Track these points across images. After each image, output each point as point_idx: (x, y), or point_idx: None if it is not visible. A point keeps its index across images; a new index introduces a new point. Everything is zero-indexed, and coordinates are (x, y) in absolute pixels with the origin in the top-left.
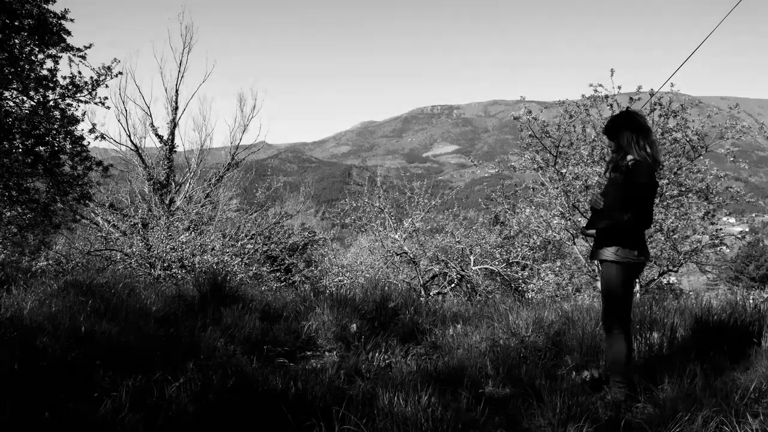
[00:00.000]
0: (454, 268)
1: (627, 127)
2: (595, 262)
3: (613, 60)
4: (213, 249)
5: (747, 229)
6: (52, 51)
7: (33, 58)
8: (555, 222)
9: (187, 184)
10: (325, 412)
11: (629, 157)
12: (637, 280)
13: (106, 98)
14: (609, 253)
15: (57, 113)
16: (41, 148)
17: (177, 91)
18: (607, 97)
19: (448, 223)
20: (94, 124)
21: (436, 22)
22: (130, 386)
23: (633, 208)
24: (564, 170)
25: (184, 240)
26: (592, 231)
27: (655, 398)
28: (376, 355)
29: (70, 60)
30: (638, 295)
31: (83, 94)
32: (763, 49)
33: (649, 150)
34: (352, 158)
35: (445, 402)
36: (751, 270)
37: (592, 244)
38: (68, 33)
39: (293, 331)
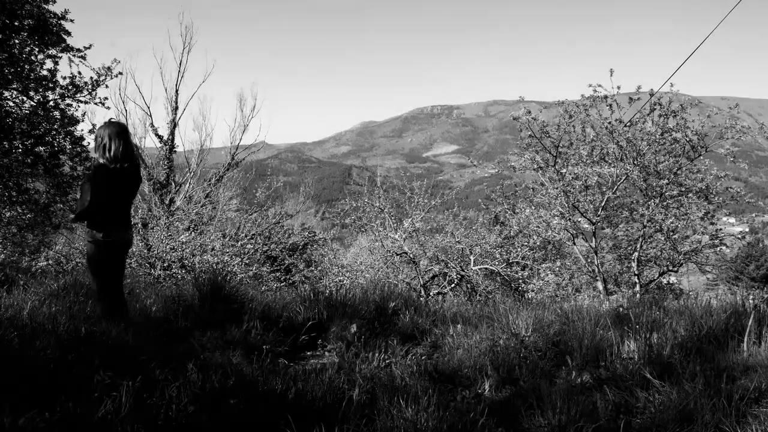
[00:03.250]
0: (454, 268)
1: (98, 137)
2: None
3: (613, 60)
4: (213, 249)
5: (747, 229)
6: (52, 51)
7: (33, 58)
8: (555, 222)
9: (187, 184)
10: (325, 413)
11: (101, 160)
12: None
13: (106, 98)
14: (87, 234)
15: (57, 113)
16: (41, 148)
17: (177, 91)
18: (606, 97)
19: (448, 223)
20: (94, 125)
21: (436, 22)
22: (130, 386)
23: (92, 199)
24: (564, 170)
25: (184, 240)
26: (72, 217)
27: (655, 399)
28: (376, 355)
29: (70, 60)
30: (638, 295)
31: (83, 95)
32: (763, 49)
33: (110, 155)
34: (352, 158)
35: (445, 402)
36: (751, 270)
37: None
38: (68, 33)
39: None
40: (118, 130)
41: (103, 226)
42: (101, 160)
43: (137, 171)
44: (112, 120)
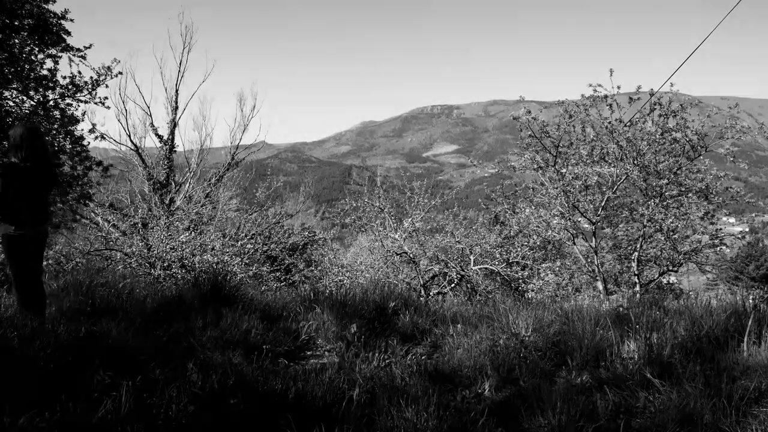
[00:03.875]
0: (454, 268)
1: (11, 137)
2: None
3: (613, 60)
4: (213, 249)
5: (747, 229)
6: (52, 51)
7: (33, 58)
8: (555, 222)
9: (187, 184)
10: (325, 413)
11: (12, 159)
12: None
13: (106, 98)
14: (1, 227)
15: (57, 113)
16: None
17: (177, 90)
18: (606, 97)
19: (448, 223)
20: (93, 124)
21: (436, 22)
22: (130, 386)
23: (2, 196)
24: (564, 170)
25: (184, 240)
26: None
27: (655, 399)
28: (376, 355)
29: (70, 60)
30: (638, 295)
31: (83, 94)
32: (763, 49)
33: (21, 154)
34: (352, 158)
35: (445, 402)
36: (751, 270)
37: None
38: (68, 33)
39: (293, 331)
40: (30, 132)
41: (14, 221)
42: (13, 159)
43: (51, 169)
44: (25, 122)
